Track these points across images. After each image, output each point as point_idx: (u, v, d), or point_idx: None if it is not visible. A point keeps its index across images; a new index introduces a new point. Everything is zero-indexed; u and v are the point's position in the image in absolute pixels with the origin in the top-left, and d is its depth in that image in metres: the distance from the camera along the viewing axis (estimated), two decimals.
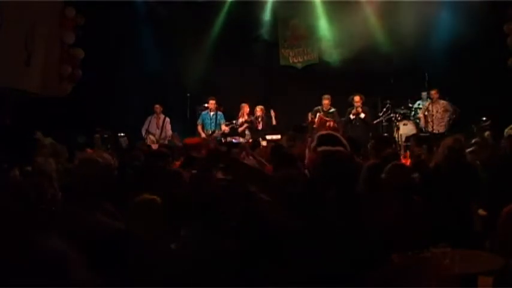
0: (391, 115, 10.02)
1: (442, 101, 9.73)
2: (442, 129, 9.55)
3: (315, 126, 9.97)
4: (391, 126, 10.09)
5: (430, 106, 9.73)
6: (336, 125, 9.82)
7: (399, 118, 9.96)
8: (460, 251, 3.19)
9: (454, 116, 9.68)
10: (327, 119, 9.93)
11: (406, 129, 9.93)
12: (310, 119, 10.08)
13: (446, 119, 9.65)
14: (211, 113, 10.31)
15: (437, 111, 9.71)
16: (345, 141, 3.81)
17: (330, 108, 10.12)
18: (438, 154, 4.43)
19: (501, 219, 2.44)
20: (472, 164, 4.60)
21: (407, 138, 9.45)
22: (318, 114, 10.00)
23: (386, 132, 10.09)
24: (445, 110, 9.68)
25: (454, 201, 3.90)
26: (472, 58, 9.52)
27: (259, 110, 10.27)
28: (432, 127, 9.59)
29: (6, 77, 8.43)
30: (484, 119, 9.18)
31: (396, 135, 9.73)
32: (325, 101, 10.10)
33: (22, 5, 8.60)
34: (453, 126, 9.51)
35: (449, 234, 3.54)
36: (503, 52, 9.64)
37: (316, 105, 10.34)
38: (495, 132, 7.82)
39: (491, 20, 9.48)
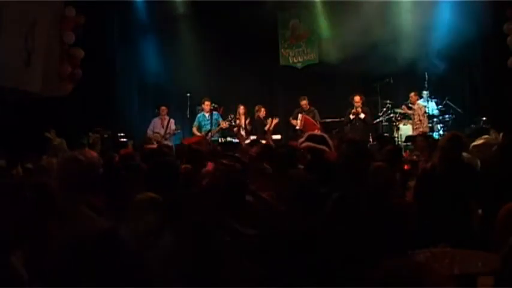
0: (391, 115, 10.03)
1: (420, 105, 9.77)
2: (426, 130, 9.57)
3: (298, 127, 10.06)
4: (391, 126, 10.09)
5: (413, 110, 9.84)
6: (319, 127, 9.95)
7: (399, 118, 9.97)
8: (460, 251, 3.20)
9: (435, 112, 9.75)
10: (310, 118, 10.07)
11: (406, 129, 9.94)
12: (294, 123, 10.18)
13: (423, 122, 9.66)
14: (207, 114, 10.33)
15: (412, 114, 9.78)
16: (330, 142, 4.18)
17: (309, 108, 10.19)
18: (435, 155, 4.43)
19: (499, 218, 2.44)
20: (470, 163, 4.59)
21: (407, 138, 9.47)
22: (300, 115, 10.10)
23: (386, 132, 10.10)
24: (422, 113, 9.71)
25: (453, 201, 3.90)
26: (472, 58, 9.52)
27: (263, 110, 10.30)
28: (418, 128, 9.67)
29: (6, 77, 8.43)
30: (484, 119, 9.19)
31: (396, 135, 9.74)
32: (303, 102, 10.28)
33: (22, 5, 8.60)
34: (452, 126, 9.52)
35: (449, 234, 3.54)
36: (503, 52, 9.64)
37: (316, 106, 10.37)
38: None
39: (491, 20, 9.48)
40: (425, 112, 9.69)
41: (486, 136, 6.10)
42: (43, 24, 9.47)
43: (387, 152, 4.77)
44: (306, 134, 4.73)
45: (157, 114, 10.60)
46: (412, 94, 9.81)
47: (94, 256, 2.25)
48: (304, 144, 4.28)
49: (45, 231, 2.35)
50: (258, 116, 10.31)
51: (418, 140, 7.86)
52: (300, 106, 10.33)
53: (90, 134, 9.42)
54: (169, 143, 9.85)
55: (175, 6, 11.49)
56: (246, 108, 10.48)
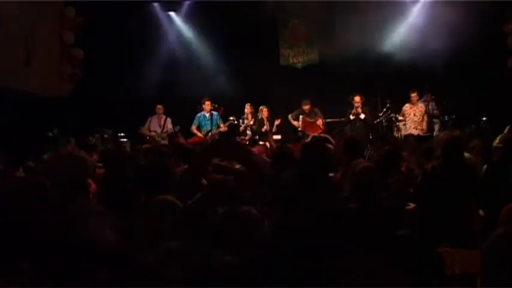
0: (391, 115, 10.02)
1: (420, 104, 9.74)
2: (421, 133, 9.52)
3: (300, 129, 10.07)
4: (391, 126, 10.08)
5: (409, 109, 9.76)
6: (323, 121, 10.03)
7: (399, 118, 9.95)
8: (460, 251, 3.20)
9: (435, 112, 9.74)
10: (310, 119, 10.10)
11: (406, 129, 9.92)
12: (295, 124, 10.26)
13: (424, 122, 9.64)
14: (207, 114, 10.32)
15: (414, 114, 9.72)
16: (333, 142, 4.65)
17: (310, 110, 10.21)
18: (436, 154, 4.43)
19: (501, 218, 2.44)
20: (471, 163, 4.59)
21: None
22: (301, 117, 10.18)
23: (386, 132, 10.09)
24: (423, 113, 9.68)
25: (454, 201, 3.89)
26: (472, 58, 9.52)
27: (265, 111, 10.30)
28: (408, 130, 9.64)
29: (6, 77, 8.43)
30: (484, 119, 9.18)
31: (396, 135, 9.73)
32: (306, 107, 10.23)
33: (22, 5, 8.60)
34: (452, 126, 9.51)
35: (450, 234, 3.54)
36: (503, 52, 9.63)
37: (316, 106, 10.36)
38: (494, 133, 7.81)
39: (491, 20, 9.47)
40: (425, 112, 9.69)
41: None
42: (43, 24, 9.47)
43: (384, 153, 4.77)
44: (312, 136, 5.06)
45: (154, 113, 10.61)
46: (414, 94, 9.74)
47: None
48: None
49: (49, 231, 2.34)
50: (260, 117, 10.34)
51: (410, 141, 7.87)
52: (301, 108, 10.31)
53: (96, 135, 9.47)
54: (166, 142, 9.87)
55: (176, 6, 11.49)
56: (251, 107, 10.48)
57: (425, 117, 9.66)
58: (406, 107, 9.79)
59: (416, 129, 9.62)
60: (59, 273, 2.16)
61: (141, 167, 3.56)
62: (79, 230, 2.45)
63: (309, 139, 4.81)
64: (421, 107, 9.75)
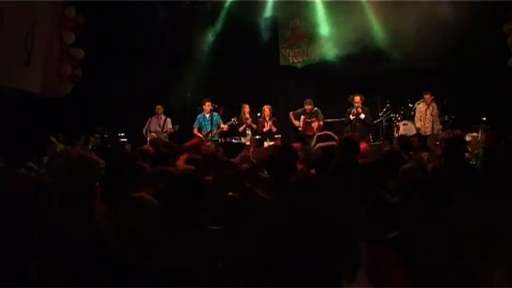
0: (391, 115, 10.02)
1: (434, 105, 9.73)
2: (427, 131, 9.48)
3: (300, 128, 10.06)
4: (391, 126, 10.08)
5: (424, 109, 9.73)
6: (322, 123, 10.04)
7: (399, 118, 9.95)
8: None
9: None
10: (309, 120, 10.12)
11: (406, 129, 9.92)
12: (296, 124, 10.24)
13: (435, 122, 9.63)
14: (207, 115, 10.33)
15: (430, 114, 9.70)
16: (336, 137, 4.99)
17: (312, 110, 10.20)
18: (437, 153, 4.43)
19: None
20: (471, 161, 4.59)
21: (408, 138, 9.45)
22: (302, 117, 10.18)
23: (386, 133, 10.09)
24: (435, 114, 9.67)
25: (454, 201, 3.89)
26: (472, 58, 9.52)
27: (267, 110, 10.29)
28: (425, 130, 9.59)
29: (6, 77, 8.43)
30: (484, 119, 9.17)
31: (396, 135, 9.72)
32: (308, 107, 10.21)
33: (22, 5, 8.59)
34: (452, 126, 9.51)
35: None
36: (503, 52, 9.64)
37: (316, 106, 10.35)
38: (495, 132, 7.81)
39: (491, 20, 9.47)
40: (436, 115, 9.64)
41: None
42: (43, 24, 9.46)
43: (385, 154, 4.74)
44: (315, 137, 5.39)
45: (154, 113, 10.62)
46: (428, 96, 9.68)
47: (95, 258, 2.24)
48: (317, 146, 4.63)
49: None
50: (262, 117, 10.34)
51: (414, 141, 7.83)
52: (303, 108, 10.30)
53: (92, 138, 9.45)
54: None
55: (176, 6, 11.48)
56: (249, 107, 10.48)
57: (435, 117, 9.64)
58: (421, 106, 9.72)
59: (425, 129, 9.55)
60: (61, 273, 2.17)
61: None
62: (81, 232, 2.46)
63: (314, 141, 4.91)
64: (434, 107, 9.71)
